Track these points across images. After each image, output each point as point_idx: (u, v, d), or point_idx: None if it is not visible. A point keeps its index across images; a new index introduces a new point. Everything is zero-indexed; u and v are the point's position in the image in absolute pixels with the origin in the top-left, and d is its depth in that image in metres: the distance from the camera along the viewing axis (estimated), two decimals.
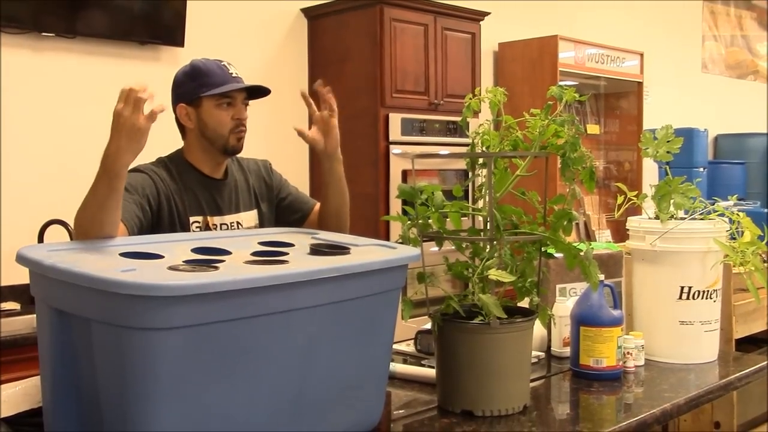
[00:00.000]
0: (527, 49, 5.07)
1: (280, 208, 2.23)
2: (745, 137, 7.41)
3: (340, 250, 1.46)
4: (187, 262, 1.31)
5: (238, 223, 2.10)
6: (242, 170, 2.19)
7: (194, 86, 2.02)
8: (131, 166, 1.77)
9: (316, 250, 1.45)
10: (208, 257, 1.37)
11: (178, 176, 2.04)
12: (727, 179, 6.71)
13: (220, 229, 2.06)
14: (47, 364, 1.31)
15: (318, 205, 2.24)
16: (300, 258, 1.41)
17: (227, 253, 1.43)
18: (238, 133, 2.06)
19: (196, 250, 1.42)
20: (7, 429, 1.38)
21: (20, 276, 1.95)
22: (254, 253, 1.44)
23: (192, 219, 2.02)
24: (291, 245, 1.54)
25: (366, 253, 1.49)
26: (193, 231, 2.01)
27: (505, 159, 1.76)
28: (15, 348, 2.58)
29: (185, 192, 2.03)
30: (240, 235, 1.76)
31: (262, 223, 2.17)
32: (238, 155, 2.16)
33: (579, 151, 1.70)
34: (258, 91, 2.12)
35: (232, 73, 2.05)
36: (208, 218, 2.05)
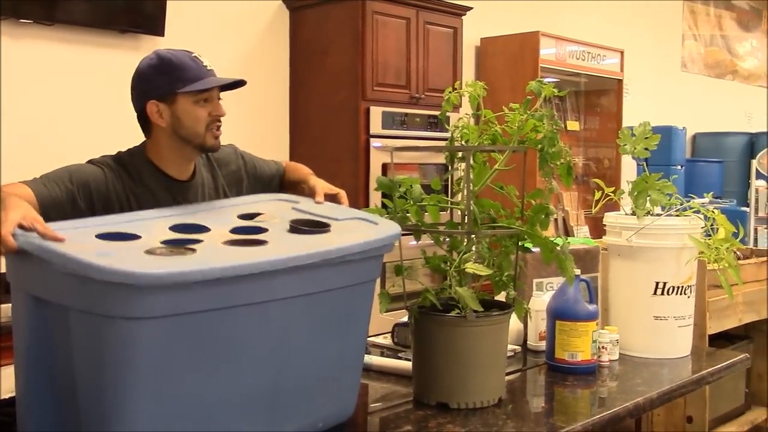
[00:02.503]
0: (509, 44, 5.08)
1: (254, 179, 2.12)
2: (722, 136, 7.49)
3: (320, 227, 1.45)
4: (165, 242, 1.29)
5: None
6: (211, 167, 2.04)
7: (167, 81, 1.84)
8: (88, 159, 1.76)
9: (296, 228, 1.44)
10: (185, 236, 1.34)
11: (137, 176, 1.87)
12: (704, 177, 6.78)
13: None
14: (22, 353, 1.30)
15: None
16: (279, 239, 1.38)
17: (206, 230, 1.40)
18: (216, 130, 1.90)
19: (174, 228, 1.40)
20: None
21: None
22: (233, 230, 1.42)
23: None
24: (272, 221, 1.51)
25: (347, 230, 1.48)
26: None
27: (483, 153, 1.77)
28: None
29: (144, 194, 1.86)
30: (219, 207, 1.69)
31: None
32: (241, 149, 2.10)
33: (557, 146, 1.71)
34: (232, 84, 1.95)
35: (206, 66, 1.88)
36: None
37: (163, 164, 1.91)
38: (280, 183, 2.18)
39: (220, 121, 1.90)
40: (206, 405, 1.22)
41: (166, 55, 1.86)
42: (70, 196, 1.75)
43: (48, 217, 1.46)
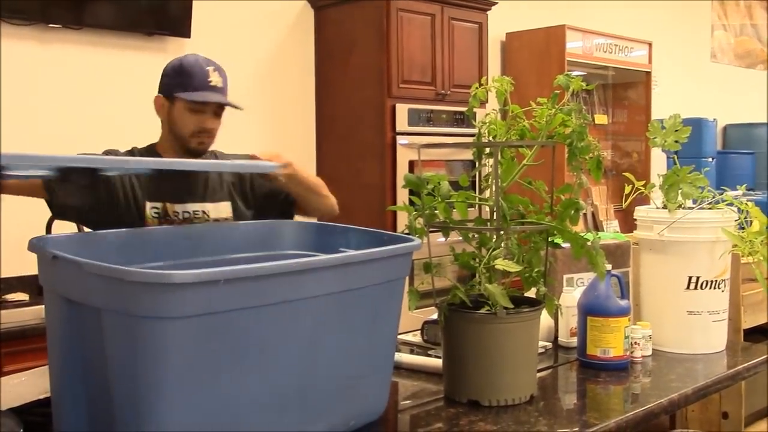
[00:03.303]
0: (535, 39, 5.04)
1: (261, 197, 2.19)
2: (754, 127, 7.36)
3: None
4: None
5: (204, 212, 2.09)
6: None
7: (174, 83, 2.05)
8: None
9: None
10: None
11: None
12: (735, 169, 6.68)
13: (182, 217, 2.05)
14: (56, 353, 1.32)
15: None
16: None
17: None
18: (199, 137, 2.06)
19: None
20: (15, 419, 1.39)
21: (28, 266, 1.95)
22: None
23: (150, 204, 2.03)
24: None
25: None
26: (152, 217, 2.03)
27: (511, 149, 1.75)
28: (24, 339, 2.59)
29: (146, 177, 2.05)
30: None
31: (237, 217, 2.14)
32: (220, 150, 2.19)
33: (586, 140, 1.69)
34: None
35: (210, 81, 2.04)
36: (168, 205, 2.05)
37: (166, 153, 2.12)
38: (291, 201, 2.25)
39: (207, 132, 2.08)
40: (238, 404, 1.22)
41: (186, 60, 2.08)
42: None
43: (52, 189, 1.95)
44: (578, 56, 5.04)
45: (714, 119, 6.62)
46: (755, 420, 2.99)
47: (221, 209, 2.12)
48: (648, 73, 5.69)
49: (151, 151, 2.14)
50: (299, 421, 1.32)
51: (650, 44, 5.67)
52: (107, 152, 2.10)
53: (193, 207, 2.08)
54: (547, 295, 1.69)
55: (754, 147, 7.13)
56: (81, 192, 1.99)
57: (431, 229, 1.70)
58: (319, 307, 1.31)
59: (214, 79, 2.05)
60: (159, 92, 2.09)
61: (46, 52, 3.28)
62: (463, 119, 4.22)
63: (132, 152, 2.15)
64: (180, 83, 2.04)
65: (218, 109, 2.09)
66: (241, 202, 2.17)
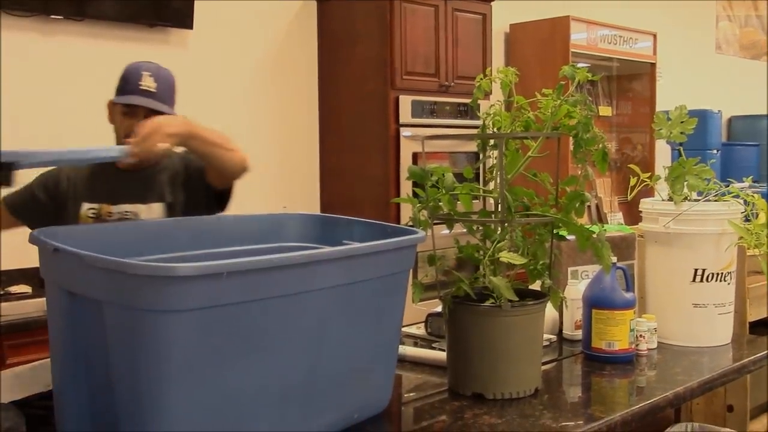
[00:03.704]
0: (539, 30, 5.02)
1: (198, 175, 2.14)
2: (759, 119, 7.33)
3: None
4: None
5: (135, 213, 2.09)
6: (159, 164, 2.16)
7: (116, 88, 2.11)
8: None
9: None
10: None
11: (94, 165, 2.13)
12: (740, 161, 6.65)
13: (116, 218, 2.07)
14: (58, 346, 1.31)
15: None
16: None
17: None
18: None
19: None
20: (17, 412, 1.38)
21: (31, 259, 1.95)
22: None
23: (88, 206, 2.09)
24: None
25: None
26: (86, 217, 2.08)
27: (516, 140, 1.74)
28: (27, 331, 2.59)
29: (89, 179, 2.12)
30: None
31: (170, 216, 2.10)
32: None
33: (591, 131, 1.67)
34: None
35: (141, 85, 2.06)
36: (104, 206, 2.09)
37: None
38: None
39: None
40: (241, 397, 1.22)
41: (129, 66, 2.12)
42: (29, 192, 2.13)
43: (19, 214, 2.13)
44: (582, 47, 5.02)
45: (719, 111, 6.59)
46: (760, 413, 2.98)
47: (153, 210, 2.11)
48: (653, 65, 5.66)
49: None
50: (303, 414, 1.31)
51: (655, 35, 5.64)
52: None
53: (126, 208, 2.10)
54: (552, 288, 1.68)
55: (759, 139, 7.10)
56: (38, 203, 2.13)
57: (435, 221, 1.68)
58: (324, 300, 1.30)
59: (146, 83, 2.07)
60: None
61: (47, 43, 3.27)
62: (467, 111, 4.20)
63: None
64: (118, 88, 2.10)
65: (149, 113, 2.04)
66: (182, 199, 2.13)
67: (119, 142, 2.09)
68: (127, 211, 2.09)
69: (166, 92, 2.10)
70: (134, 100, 2.05)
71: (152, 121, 1.79)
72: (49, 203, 2.13)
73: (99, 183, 2.12)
